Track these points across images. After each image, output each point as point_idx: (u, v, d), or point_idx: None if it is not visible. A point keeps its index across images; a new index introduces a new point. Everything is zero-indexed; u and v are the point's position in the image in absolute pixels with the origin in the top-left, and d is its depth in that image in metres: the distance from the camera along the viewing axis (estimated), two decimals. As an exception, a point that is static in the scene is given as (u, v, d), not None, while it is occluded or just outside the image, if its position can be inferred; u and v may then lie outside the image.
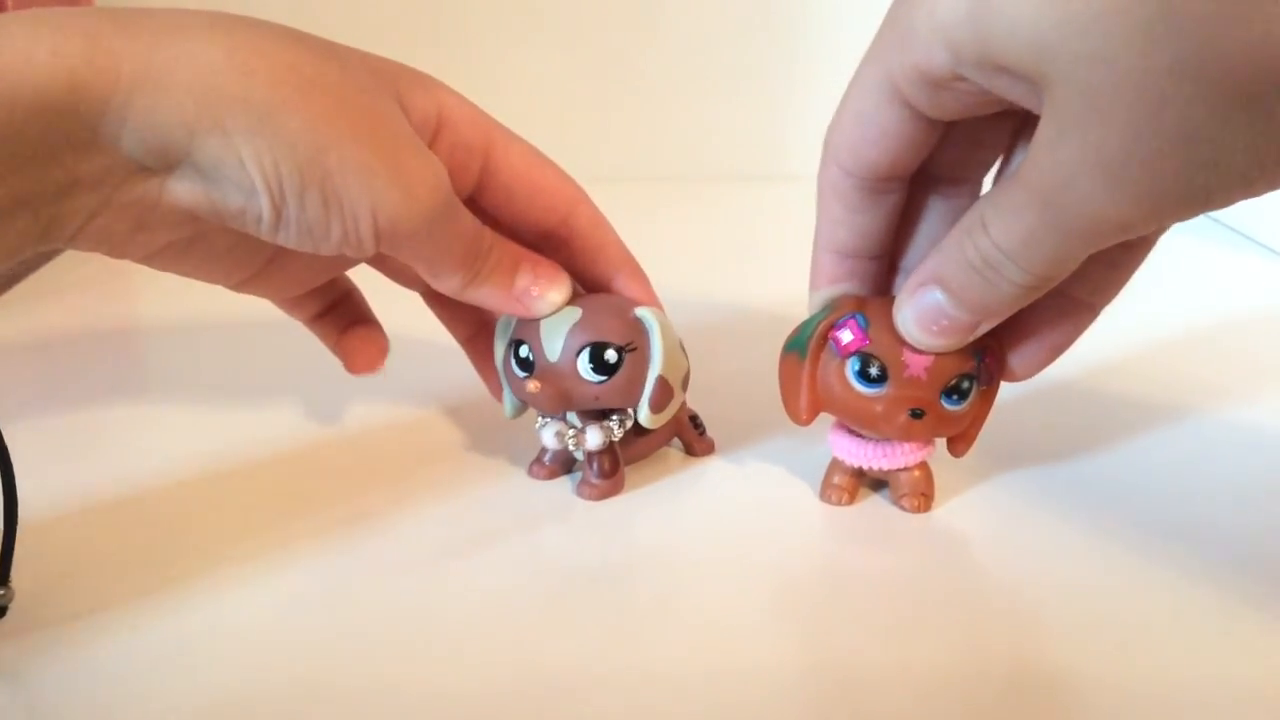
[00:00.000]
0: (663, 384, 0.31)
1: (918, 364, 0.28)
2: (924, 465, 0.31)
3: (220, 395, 0.40)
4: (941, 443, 0.32)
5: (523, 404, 0.32)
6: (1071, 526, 0.31)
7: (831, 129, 0.27)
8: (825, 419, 0.31)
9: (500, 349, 0.32)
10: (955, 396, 0.29)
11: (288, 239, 0.26)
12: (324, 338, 0.34)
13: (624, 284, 0.33)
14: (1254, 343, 0.47)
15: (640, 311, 0.31)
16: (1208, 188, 0.21)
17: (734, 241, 0.63)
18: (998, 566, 0.29)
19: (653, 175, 0.74)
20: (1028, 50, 0.21)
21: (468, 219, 0.29)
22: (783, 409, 0.31)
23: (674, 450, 0.35)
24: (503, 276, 0.30)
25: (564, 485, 0.33)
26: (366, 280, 0.35)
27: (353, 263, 0.33)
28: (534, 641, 0.26)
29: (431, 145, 0.29)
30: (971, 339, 0.27)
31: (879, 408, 0.29)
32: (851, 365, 0.29)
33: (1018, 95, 0.23)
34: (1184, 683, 0.24)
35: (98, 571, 0.29)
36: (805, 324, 0.30)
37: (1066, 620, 0.27)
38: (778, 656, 0.26)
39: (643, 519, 0.32)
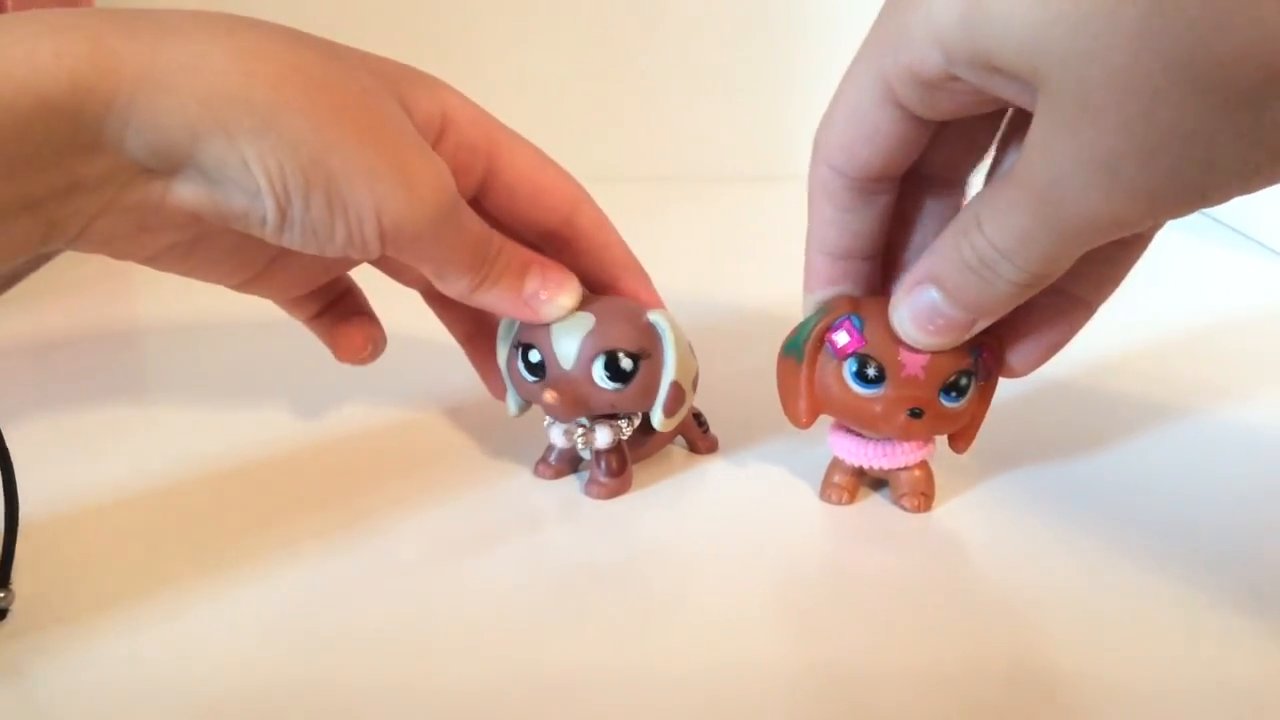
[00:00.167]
0: (676, 388, 0.31)
1: (915, 363, 0.28)
2: (924, 465, 0.31)
3: (221, 395, 0.40)
4: (942, 442, 0.32)
5: (527, 402, 0.32)
6: (1071, 526, 0.31)
7: (822, 129, 0.27)
8: (825, 418, 0.31)
9: (503, 350, 0.32)
10: (954, 394, 0.29)
11: (292, 241, 0.26)
12: (321, 334, 0.34)
13: (627, 284, 0.33)
14: (1254, 342, 0.47)
15: (653, 316, 0.30)
16: (1202, 185, 0.21)
17: (734, 241, 0.63)
18: (998, 566, 0.29)
19: (653, 175, 0.74)
20: (1020, 50, 0.21)
21: (474, 222, 0.28)
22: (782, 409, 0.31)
23: (677, 448, 0.35)
24: (511, 280, 0.29)
25: (569, 484, 0.33)
26: (368, 280, 0.35)
27: (356, 263, 0.33)
28: (539, 640, 0.26)
29: (436, 146, 0.29)
30: (968, 337, 0.28)
31: (878, 408, 0.29)
32: (849, 366, 0.29)
33: (1012, 94, 0.23)
34: (1184, 682, 0.24)
35: (98, 572, 0.29)
36: (801, 326, 0.30)
37: (1065, 620, 0.27)
38: (782, 655, 0.26)
39: (649, 518, 0.32)
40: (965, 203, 0.27)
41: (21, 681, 0.24)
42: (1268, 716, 0.23)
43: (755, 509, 0.32)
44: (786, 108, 0.72)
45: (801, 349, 0.30)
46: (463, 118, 0.29)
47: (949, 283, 0.26)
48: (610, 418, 0.32)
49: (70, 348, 0.45)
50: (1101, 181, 0.22)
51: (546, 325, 0.30)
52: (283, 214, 0.25)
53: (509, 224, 0.31)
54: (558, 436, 0.32)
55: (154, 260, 0.29)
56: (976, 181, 0.28)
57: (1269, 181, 0.21)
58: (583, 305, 0.30)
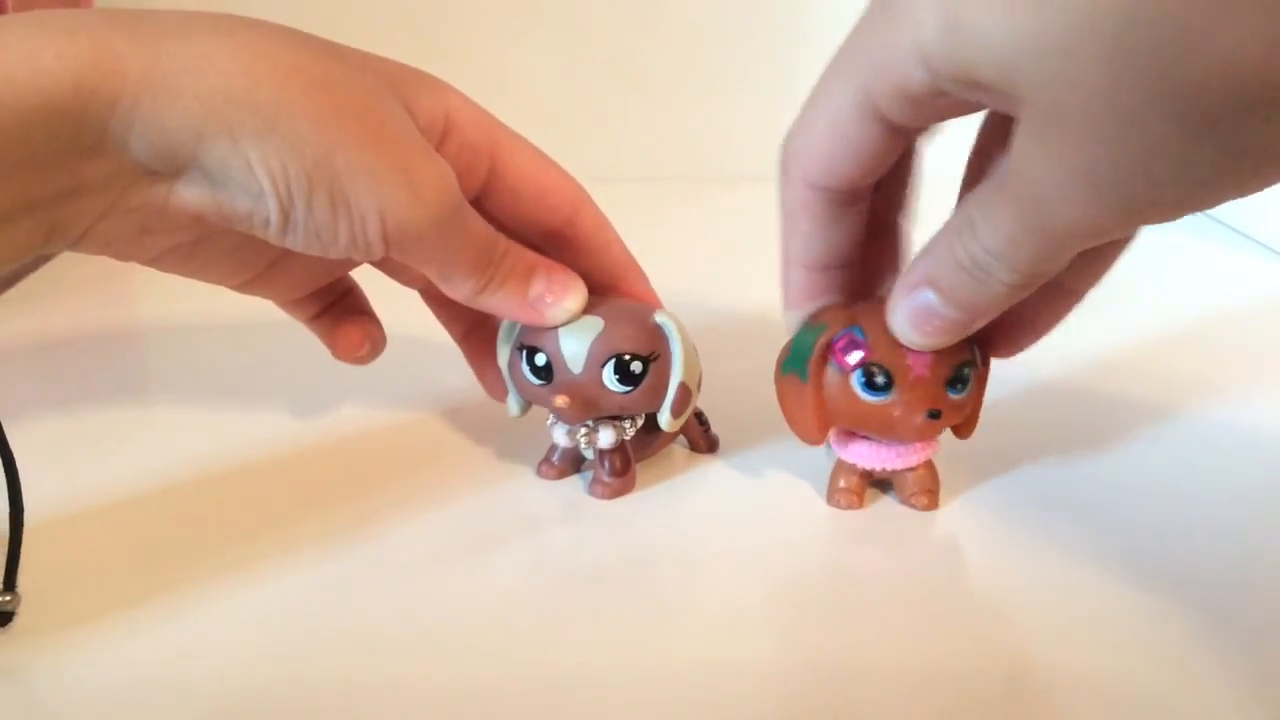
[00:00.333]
0: (684, 389, 0.31)
1: (920, 363, 0.28)
2: (928, 463, 0.32)
3: (223, 396, 0.40)
4: (945, 436, 0.32)
5: (528, 403, 0.32)
6: (1072, 527, 0.31)
7: (795, 146, 0.27)
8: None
9: (504, 351, 0.32)
10: (958, 385, 0.29)
11: (295, 242, 0.26)
12: (322, 334, 0.34)
13: (627, 285, 0.33)
14: (1254, 342, 0.47)
15: (660, 318, 0.31)
16: (1180, 199, 0.21)
17: (734, 241, 0.63)
18: (998, 567, 0.29)
19: (653, 175, 0.74)
20: (1000, 68, 0.21)
21: (479, 224, 0.28)
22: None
23: (678, 447, 0.35)
24: (517, 283, 0.29)
25: (572, 485, 0.33)
26: (369, 280, 0.35)
27: (358, 264, 0.33)
28: (544, 641, 0.26)
29: (439, 148, 0.29)
30: (966, 335, 0.28)
31: (896, 412, 0.29)
32: (857, 377, 0.29)
33: (999, 105, 0.23)
34: (1182, 682, 0.24)
35: (100, 573, 0.29)
36: (798, 343, 0.30)
37: (1066, 621, 0.27)
38: (786, 656, 0.26)
39: (651, 518, 0.32)
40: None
41: (23, 681, 0.24)
42: (1267, 717, 0.23)
43: (757, 509, 0.32)
44: (786, 108, 0.72)
45: (804, 366, 0.29)
46: (466, 119, 0.29)
47: (944, 284, 0.26)
48: (614, 418, 0.32)
49: (71, 348, 0.45)
50: (1081, 195, 0.22)
51: (554, 328, 0.30)
52: (286, 216, 0.25)
53: (511, 225, 0.31)
54: (561, 436, 0.32)
55: (156, 261, 0.29)
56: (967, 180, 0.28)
57: (1248, 193, 0.21)
58: (589, 308, 0.30)
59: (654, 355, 0.30)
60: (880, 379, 0.29)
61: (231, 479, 0.34)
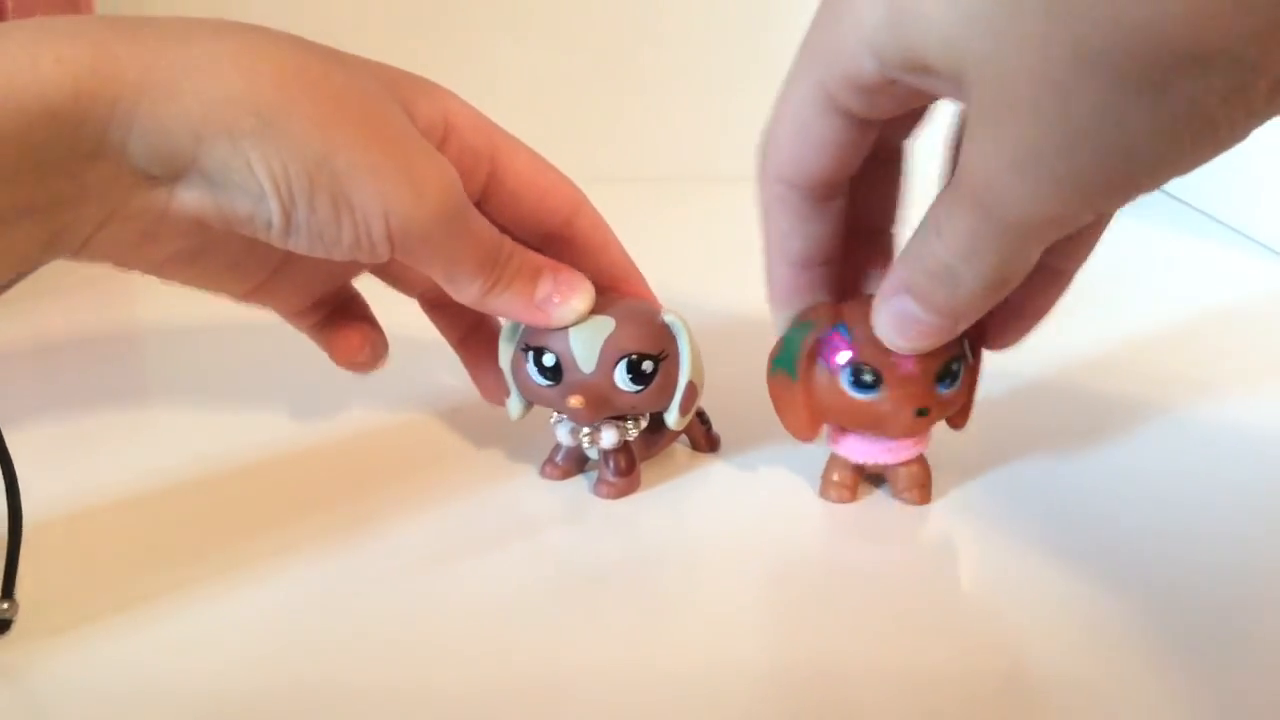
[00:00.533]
0: (691, 388, 0.31)
1: (908, 361, 0.29)
2: (921, 458, 0.32)
3: (223, 397, 0.40)
4: (938, 438, 0.32)
5: (529, 404, 0.32)
6: (1068, 526, 0.31)
7: (767, 144, 0.27)
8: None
9: (507, 352, 0.32)
10: (948, 380, 0.29)
11: (298, 244, 0.26)
12: (323, 343, 0.34)
13: (625, 285, 0.33)
14: (1253, 342, 0.47)
15: (667, 317, 0.31)
16: (1128, 173, 0.21)
17: (734, 241, 0.63)
18: (1002, 567, 0.29)
19: (653, 175, 0.74)
20: (943, 49, 0.21)
21: (484, 225, 0.28)
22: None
23: (680, 446, 0.35)
24: (524, 284, 0.29)
25: (576, 485, 0.33)
26: (370, 286, 0.35)
27: (360, 270, 0.33)
28: (549, 641, 0.26)
29: (439, 151, 0.29)
30: (951, 338, 0.28)
31: (884, 409, 0.29)
32: (845, 376, 0.29)
33: (949, 92, 0.23)
34: (1179, 682, 0.24)
35: (99, 574, 0.29)
36: (788, 341, 0.30)
37: (1057, 620, 0.27)
38: (788, 655, 0.26)
39: (655, 518, 0.32)
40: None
41: (23, 683, 0.24)
42: (1265, 717, 0.23)
43: (759, 507, 0.32)
44: (786, 108, 0.72)
45: (793, 365, 0.30)
46: (464, 123, 0.29)
47: (919, 290, 0.26)
48: (616, 417, 0.32)
49: (70, 350, 0.45)
50: (1028, 178, 0.21)
51: (563, 329, 0.30)
52: (287, 217, 0.25)
53: (511, 228, 0.31)
54: (564, 436, 0.32)
55: (158, 270, 0.29)
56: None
57: (1199, 162, 0.21)
58: (596, 308, 0.30)
59: (664, 354, 0.30)
60: (868, 377, 0.29)
61: (231, 480, 0.33)
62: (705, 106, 0.74)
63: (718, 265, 0.59)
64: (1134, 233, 0.61)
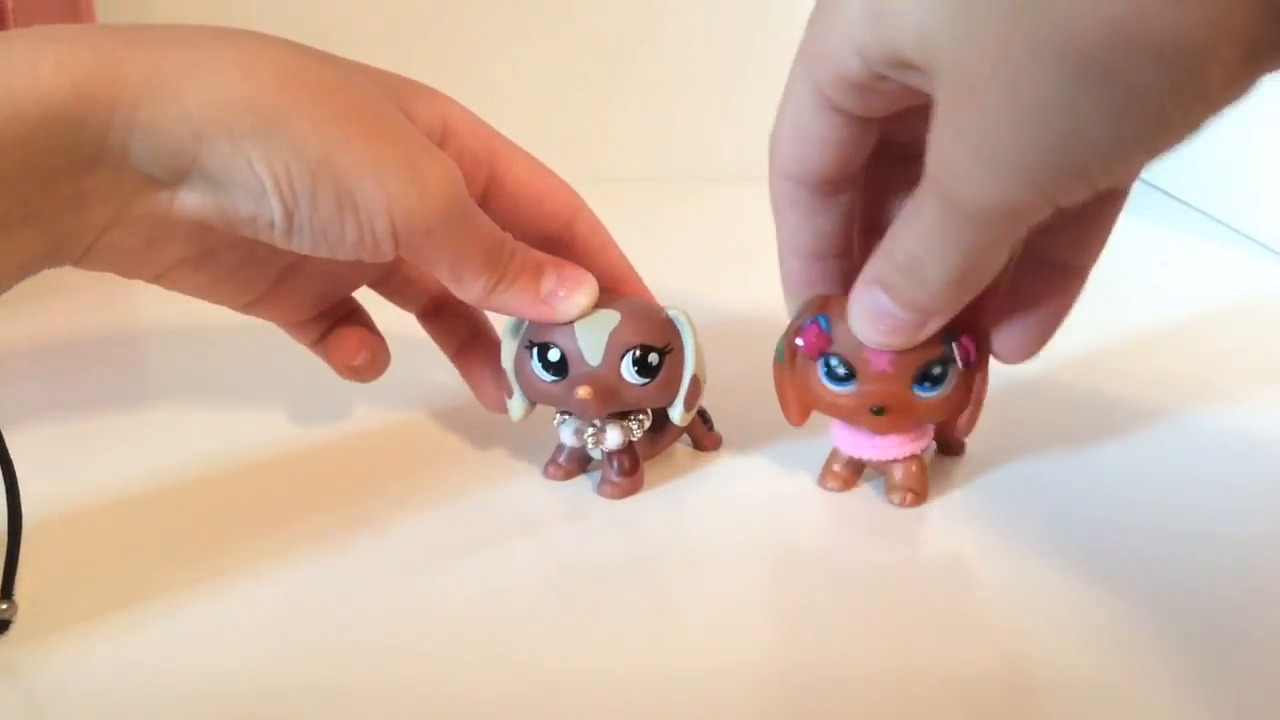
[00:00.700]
0: (695, 383, 0.31)
1: (881, 358, 0.29)
2: (918, 460, 0.31)
3: (224, 397, 0.40)
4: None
5: (531, 405, 0.32)
6: (1066, 526, 0.31)
7: (773, 141, 0.28)
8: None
9: (510, 348, 0.32)
10: (928, 383, 0.29)
11: (302, 244, 0.26)
12: (324, 355, 0.34)
13: (624, 287, 0.33)
14: (1254, 342, 0.47)
15: (672, 312, 0.31)
16: (1078, 161, 0.21)
17: (734, 241, 0.63)
18: (1004, 567, 0.29)
19: (653, 175, 0.74)
20: (916, 42, 0.21)
21: (487, 222, 0.28)
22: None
23: (682, 445, 0.35)
24: (529, 280, 0.29)
25: (579, 485, 0.33)
26: (368, 296, 0.35)
27: (364, 277, 0.33)
28: (554, 641, 0.26)
29: None
30: (924, 336, 0.28)
31: (849, 404, 0.29)
32: (820, 367, 0.30)
33: (928, 86, 0.23)
34: (1180, 682, 0.24)
35: (99, 574, 0.28)
36: (787, 330, 0.31)
37: (1053, 620, 0.27)
38: (792, 655, 0.26)
39: (658, 517, 0.32)
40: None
41: (22, 683, 0.24)
42: (1263, 717, 0.23)
43: (761, 506, 0.32)
44: (786, 108, 0.72)
45: (782, 352, 0.30)
46: (463, 127, 0.30)
47: (889, 284, 0.26)
48: (620, 417, 0.32)
49: (70, 350, 0.45)
50: (982, 165, 0.21)
51: (569, 323, 0.30)
52: (290, 216, 0.25)
53: (510, 231, 0.31)
54: (568, 435, 0.32)
55: (162, 278, 0.29)
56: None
57: (1156, 152, 0.21)
58: (599, 304, 0.30)
59: (669, 348, 0.30)
60: (841, 370, 0.29)
61: (231, 480, 0.33)
62: (705, 106, 0.74)
63: (718, 265, 0.59)
64: (1134, 233, 0.61)
